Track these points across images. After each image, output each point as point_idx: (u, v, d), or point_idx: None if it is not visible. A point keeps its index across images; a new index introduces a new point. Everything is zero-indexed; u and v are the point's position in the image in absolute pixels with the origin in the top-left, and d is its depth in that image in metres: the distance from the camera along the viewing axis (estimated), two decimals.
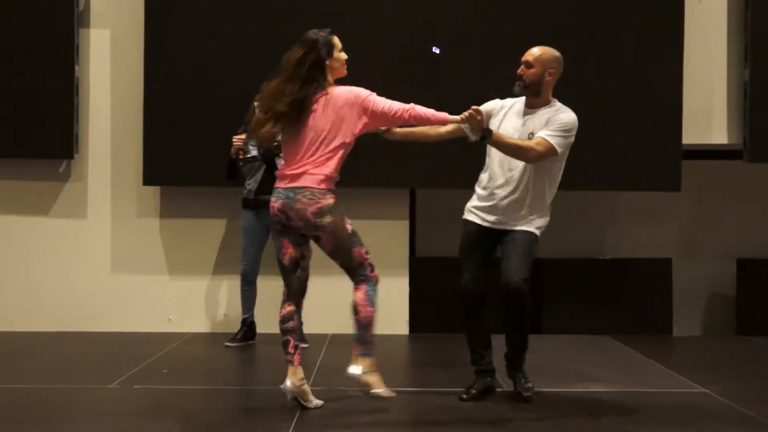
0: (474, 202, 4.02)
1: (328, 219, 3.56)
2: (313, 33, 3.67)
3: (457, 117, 3.66)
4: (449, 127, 3.94)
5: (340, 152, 3.60)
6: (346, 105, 3.58)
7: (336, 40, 3.69)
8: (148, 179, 5.64)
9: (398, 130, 4.05)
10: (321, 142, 3.57)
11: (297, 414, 3.69)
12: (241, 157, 5.09)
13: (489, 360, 4.01)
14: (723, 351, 5.50)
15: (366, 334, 3.63)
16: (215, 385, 4.28)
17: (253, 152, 5.17)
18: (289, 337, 3.65)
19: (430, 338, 5.64)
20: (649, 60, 5.62)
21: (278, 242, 3.67)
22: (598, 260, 6.16)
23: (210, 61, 5.58)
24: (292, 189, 3.56)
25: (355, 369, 3.61)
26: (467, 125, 3.67)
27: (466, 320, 3.98)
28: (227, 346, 5.22)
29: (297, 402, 3.70)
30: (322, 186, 3.55)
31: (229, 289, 5.48)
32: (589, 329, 5.79)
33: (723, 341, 5.98)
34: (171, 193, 5.77)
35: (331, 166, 3.58)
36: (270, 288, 5.59)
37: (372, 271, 3.67)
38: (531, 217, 3.92)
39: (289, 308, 3.67)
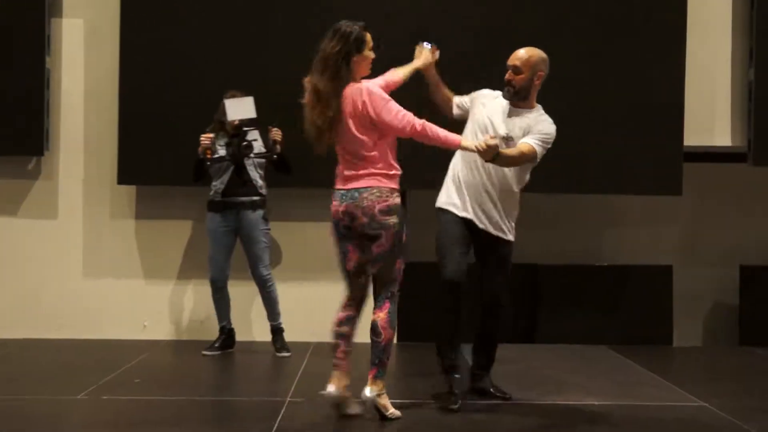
0: (452, 197, 4.07)
1: (394, 219, 3.64)
2: (347, 25, 3.69)
3: (471, 144, 3.72)
4: (446, 97, 4.18)
5: (384, 145, 3.66)
6: (359, 101, 3.63)
7: (368, 37, 3.72)
8: (123, 178, 5.63)
9: (434, 83, 4.16)
10: (363, 140, 3.64)
11: (275, 426, 3.68)
12: (208, 156, 5.09)
13: (457, 360, 4.11)
14: (724, 362, 5.54)
15: (384, 356, 3.71)
16: (191, 396, 4.27)
17: (221, 152, 5.16)
18: (339, 341, 3.73)
19: (418, 347, 5.63)
20: (650, 59, 5.64)
21: (342, 248, 3.75)
22: (595, 266, 6.19)
23: (190, 55, 5.57)
24: (357, 189, 3.64)
25: (370, 392, 3.70)
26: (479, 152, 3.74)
27: (446, 317, 4.02)
28: (204, 355, 5.21)
29: (337, 410, 3.76)
30: (390, 184, 3.65)
31: (208, 294, 5.43)
32: (585, 339, 5.82)
33: (725, 352, 6.03)
34: (147, 193, 5.75)
35: (388, 161, 3.65)
36: (247, 294, 5.63)
37: (399, 289, 3.71)
38: (511, 223, 4.08)
39: (348, 312, 3.75)
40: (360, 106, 3.62)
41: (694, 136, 5.80)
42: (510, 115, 4.03)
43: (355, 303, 3.76)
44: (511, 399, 4.16)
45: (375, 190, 3.63)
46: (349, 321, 3.74)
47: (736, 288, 6.27)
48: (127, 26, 5.58)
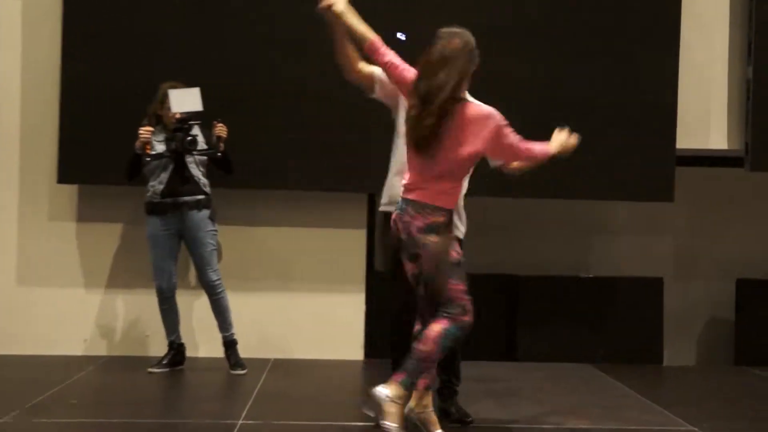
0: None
1: (432, 238, 3.58)
2: (466, 33, 3.66)
3: (557, 148, 3.80)
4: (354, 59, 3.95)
5: (462, 172, 3.68)
6: (475, 123, 3.59)
7: None
8: (64, 176, 5.57)
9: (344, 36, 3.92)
10: (448, 158, 3.59)
11: None
12: (148, 152, 5.03)
13: None
14: (718, 384, 5.54)
15: (415, 368, 3.56)
16: (134, 418, 4.20)
17: (159, 148, 5.11)
18: None
19: (387, 364, 5.56)
20: (641, 54, 5.67)
21: (403, 258, 3.69)
22: (580, 278, 6.20)
23: (141, 41, 5.51)
24: (409, 201, 3.62)
25: (382, 390, 3.51)
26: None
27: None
28: (151, 373, 5.16)
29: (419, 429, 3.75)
30: (436, 202, 3.61)
31: (156, 305, 5.36)
32: (568, 356, 5.83)
33: (719, 372, 6.05)
34: (90, 192, 5.68)
35: (450, 181, 3.64)
36: (199, 305, 5.58)
37: (464, 314, 3.58)
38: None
39: (418, 327, 3.73)
40: (478, 126, 3.57)
41: (687, 139, 5.82)
42: None
43: (421, 317, 3.72)
44: (472, 422, 4.12)
45: (419, 205, 3.59)
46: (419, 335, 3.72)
47: (732, 303, 6.30)
48: (70, 6, 5.51)
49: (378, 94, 4.05)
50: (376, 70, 3.97)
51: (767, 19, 5.76)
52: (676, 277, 6.42)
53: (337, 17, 3.76)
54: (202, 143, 5.15)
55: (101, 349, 5.68)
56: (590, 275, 6.26)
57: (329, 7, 3.74)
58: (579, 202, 6.09)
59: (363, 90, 4.09)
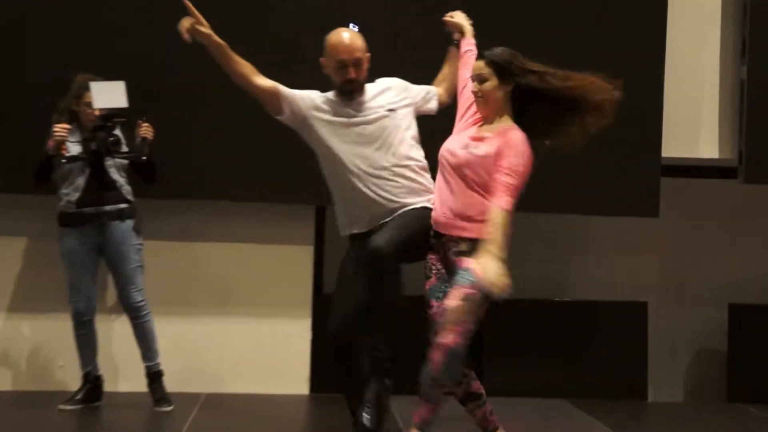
0: None
1: None
2: None
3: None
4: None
5: None
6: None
7: None
8: None
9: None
10: None
11: None
12: (63, 153, 4.88)
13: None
14: (708, 422, 5.54)
15: None
16: None
17: (74, 149, 4.98)
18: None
19: (336, 400, 5.40)
20: (623, 53, 5.63)
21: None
22: (555, 302, 6.17)
23: (50, 27, 5.40)
24: None
25: None
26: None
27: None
28: (61, 410, 5.03)
29: None
30: None
31: (67, 331, 5.21)
32: (542, 391, 5.80)
33: (710, 410, 6.02)
34: None
35: None
36: (119, 330, 5.47)
37: None
38: None
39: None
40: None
41: (674, 147, 5.83)
42: (353, 115, 3.92)
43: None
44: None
45: None
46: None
47: (724, 331, 6.27)
48: None
49: (287, 116, 3.97)
50: (281, 87, 3.94)
51: (763, 14, 5.78)
52: (662, 302, 6.42)
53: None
54: (124, 145, 5.06)
55: (4, 383, 5.58)
56: (566, 299, 6.26)
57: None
58: (553, 217, 6.05)
59: (268, 111, 4.01)
